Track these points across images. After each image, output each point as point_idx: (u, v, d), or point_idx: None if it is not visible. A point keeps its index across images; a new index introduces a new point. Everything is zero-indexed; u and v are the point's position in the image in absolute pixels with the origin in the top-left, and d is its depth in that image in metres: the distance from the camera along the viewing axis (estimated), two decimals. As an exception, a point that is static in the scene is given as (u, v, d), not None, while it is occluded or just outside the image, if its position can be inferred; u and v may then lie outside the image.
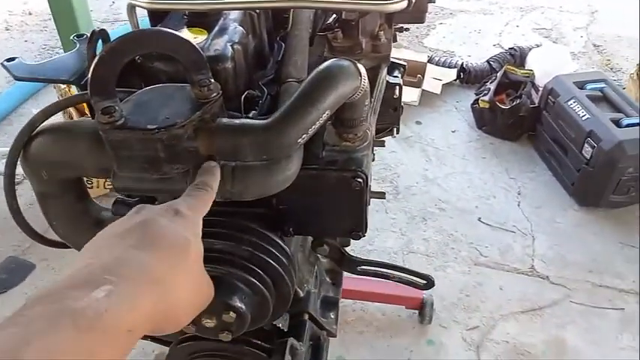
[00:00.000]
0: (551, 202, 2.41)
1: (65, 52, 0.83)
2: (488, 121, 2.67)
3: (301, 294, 0.89)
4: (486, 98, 2.62)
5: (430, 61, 2.91)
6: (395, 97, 1.12)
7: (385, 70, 0.88)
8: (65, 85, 2.32)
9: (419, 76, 2.77)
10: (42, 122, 0.68)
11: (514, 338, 1.92)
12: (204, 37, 0.70)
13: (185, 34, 0.72)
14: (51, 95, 2.96)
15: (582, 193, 2.35)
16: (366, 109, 0.67)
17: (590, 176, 2.25)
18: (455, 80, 2.94)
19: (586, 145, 2.24)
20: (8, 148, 0.67)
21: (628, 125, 2.21)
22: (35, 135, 0.67)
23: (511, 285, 2.10)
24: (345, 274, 1.00)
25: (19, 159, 0.68)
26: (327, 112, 0.59)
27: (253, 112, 0.68)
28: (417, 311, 1.98)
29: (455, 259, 2.19)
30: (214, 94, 0.59)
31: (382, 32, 0.84)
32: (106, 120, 0.56)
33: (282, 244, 0.73)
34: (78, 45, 0.77)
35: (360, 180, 0.67)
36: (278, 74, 0.80)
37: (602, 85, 2.39)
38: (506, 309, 2.01)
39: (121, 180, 0.62)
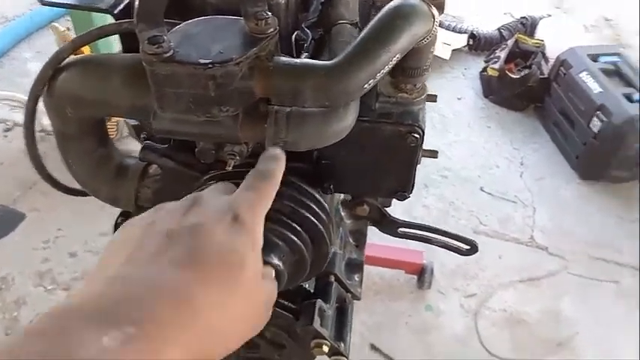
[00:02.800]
0: (553, 173, 2.40)
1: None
2: (495, 90, 2.62)
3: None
4: (496, 66, 2.57)
5: (440, 25, 2.82)
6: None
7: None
8: (64, 28, 2.19)
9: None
10: (70, 54, 0.61)
11: (511, 306, 1.94)
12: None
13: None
14: (46, 39, 2.82)
15: (586, 167, 2.34)
16: (431, 57, 0.61)
17: (596, 150, 2.23)
18: (464, 47, 2.86)
19: (595, 118, 2.21)
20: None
21: (640, 101, 2.18)
22: (62, 67, 0.61)
23: (510, 254, 2.10)
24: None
25: (42, 93, 0.61)
26: (397, 56, 0.53)
27: (305, 54, 0.62)
28: (415, 276, 1.97)
29: (455, 227, 2.18)
30: (271, 29, 0.53)
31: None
32: (153, 50, 0.50)
33: (322, 200, 0.68)
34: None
35: (416, 135, 0.62)
36: (322, 17, 0.73)
37: (616, 58, 2.35)
38: (504, 278, 2.02)
39: (162, 121, 0.56)
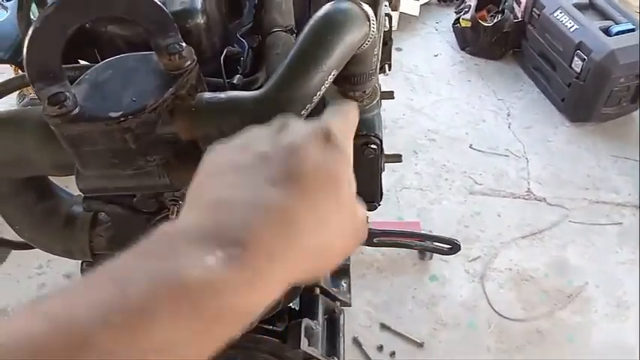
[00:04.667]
0: (541, 120, 2.34)
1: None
2: (471, 41, 2.54)
3: (310, 267, 0.81)
4: (467, 16, 2.48)
5: (405, -20, 2.72)
6: (385, 29, 0.99)
7: (384, 3, 0.75)
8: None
9: (395, -3, 2.59)
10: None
11: (516, 264, 1.91)
12: (165, -14, 0.57)
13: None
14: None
15: (573, 108, 2.28)
16: (375, 59, 0.55)
17: (581, 90, 2.17)
18: (432, -1, 2.77)
19: (576, 57, 2.14)
20: None
21: (618, 33, 2.10)
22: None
23: (509, 211, 2.06)
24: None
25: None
26: (333, 73, 0.47)
27: (238, 76, 0.56)
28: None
29: (450, 190, 2.13)
30: (189, 62, 0.47)
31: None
32: (56, 112, 0.44)
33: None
34: (7, 11, 0.62)
35: (374, 146, 0.57)
36: (258, 22, 0.66)
37: (589, -9, 2.26)
38: (506, 236, 1.98)
39: (87, 180, 0.50)
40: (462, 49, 2.60)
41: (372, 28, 0.50)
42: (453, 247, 0.69)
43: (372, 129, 0.57)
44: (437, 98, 2.45)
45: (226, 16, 0.64)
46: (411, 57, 2.61)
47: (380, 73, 1.17)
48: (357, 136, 0.58)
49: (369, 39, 0.51)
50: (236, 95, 0.47)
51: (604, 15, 2.18)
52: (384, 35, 1.03)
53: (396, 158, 0.66)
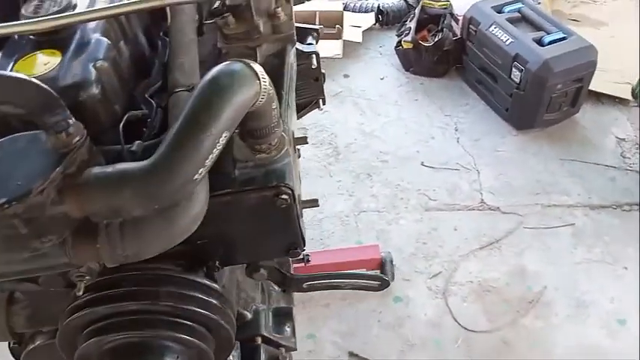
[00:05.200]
0: (489, 131, 2.40)
1: None
2: (414, 62, 2.59)
3: (249, 316, 0.80)
4: (408, 38, 2.53)
5: (345, 8, 2.77)
6: (313, 67, 1.00)
7: (293, 53, 0.76)
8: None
9: (337, 26, 2.63)
10: None
11: (477, 276, 1.93)
12: (58, 59, 0.56)
13: (36, 59, 0.57)
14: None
15: (517, 117, 2.34)
16: (275, 112, 0.55)
17: (523, 99, 2.24)
18: (374, 24, 2.82)
19: (514, 69, 2.21)
20: None
21: (550, 42, 2.18)
22: None
23: (465, 223, 2.09)
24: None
25: None
26: (224, 135, 0.47)
27: (137, 142, 0.56)
28: (377, 271, 1.94)
29: (406, 209, 2.15)
30: (77, 138, 0.46)
31: (280, 9, 0.71)
32: (-64, 204, 0.43)
33: (208, 283, 0.62)
34: None
35: (285, 197, 0.57)
36: (164, 81, 0.66)
37: (520, 5, 2.34)
38: (464, 249, 2.01)
39: (-17, 267, 0.49)
40: (407, 70, 2.65)
41: (262, 86, 0.50)
42: (382, 283, 0.69)
43: (282, 179, 0.58)
44: (386, 120, 2.48)
45: (132, 79, 0.64)
46: (358, 82, 2.65)
47: (315, 108, 1.19)
48: (266, 188, 0.58)
49: (262, 96, 0.51)
50: (124, 168, 0.47)
51: (535, 26, 2.26)
52: (313, 72, 1.05)
53: (313, 203, 0.67)
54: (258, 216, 0.59)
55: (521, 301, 1.85)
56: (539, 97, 2.19)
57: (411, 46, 2.53)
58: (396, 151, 2.34)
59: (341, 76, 2.68)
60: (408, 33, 2.55)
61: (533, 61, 2.12)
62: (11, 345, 0.74)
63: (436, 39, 2.50)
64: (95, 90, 0.54)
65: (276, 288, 0.91)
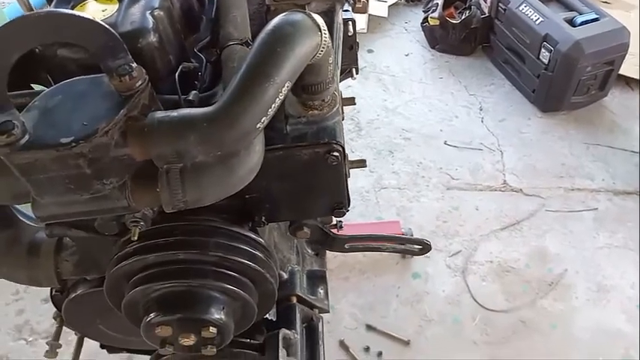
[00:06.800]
0: (513, 112, 2.37)
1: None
2: (440, 39, 2.56)
3: (285, 276, 0.81)
4: (435, 15, 2.50)
5: (371, -18, 2.73)
6: (350, 34, 0.99)
7: (341, 10, 0.75)
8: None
9: (363, 0, 2.60)
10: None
11: (497, 256, 1.92)
12: (115, 6, 0.56)
13: (91, 6, 0.57)
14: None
15: (543, 99, 2.31)
16: (331, 68, 0.55)
17: (551, 81, 2.20)
18: (400, 0, 2.78)
19: (543, 49, 2.17)
20: None
21: (582, 23, 2.14)
22: None
23: (486, 203, 2.07)
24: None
25: None
26: (287, 85, 0.47)
27: (194, 92, 0.56)
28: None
29: (427, 187, 2.15)
30: (140, 82, 0.46)
31: (329, -36, 0.70)
32: (5, 141, 0.43)
33: (255, 237, 0.63)
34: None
35: (336, 154, 0.57)
36: (215, 35, 0.66)
37: (552, -17, 2.29)
38: (485, 229, 2.00)
39: (44, 208, 0.50)
40: (432, 47, 2.62)
41: (323, 38, 0.50)
42: (424, 247, 0.69)
43: (333, 136, 0.58)
44: (410, 97, 2.46)
45: (182, 32, 0.63)
46: (383, 58, 2.63)
47: (347, 77, 1.18)
48: (318, 145, 0.58)
49: (321, 49, 0.51)
50: (188, 113, 0.47)
51: (567, 6, 2.22)
52: (348, 40, 1.04)
53: (361, 164, 0.66)
54: (307, 172, 0.60)
55: (541, 282, 1.84)
56: (567, 78, 2.16)
57: (437, 22, 2.49)
58: (419, 129, 2.32)
59: (365, 51, 2.66)
60: (435, 9, 2.51)
61: (564, 41, 2.08)
62: (53, 293, 0.76)
63: (463, 16, 2.46)
64: (153, 38, 0.54)
65: (310, 251, 0.91)
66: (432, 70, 2.57)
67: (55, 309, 0.79)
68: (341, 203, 0.64)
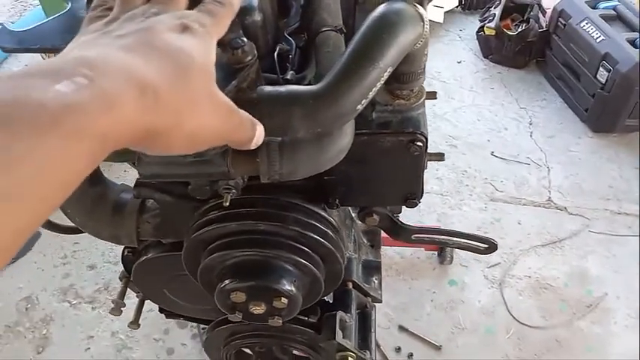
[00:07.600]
0: (564, 130, 2.34)
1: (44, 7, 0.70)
2: (494, 49, 2.55)
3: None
4: (492, 25, 2.48)
5: (430, -13, 2.73)
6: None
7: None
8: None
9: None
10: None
11: (536, 272, 1.91)
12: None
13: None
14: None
15: (596, 119, 2.27)
16: (425, 59, 0.57)
17: (606, 101, 2.17)
18: (457, 7, 2.78)
19: (601, 68, 2.14)
20: None
21: (645, 45, 2.10)
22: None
23: (529, 218, 2.06)
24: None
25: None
26: (388, 70, 0.49)
27: (291, 72, 0.58)
28: (435, 252, 1.95)
29: (470, 196, 2.14)
30: (250, 57, 0.49)
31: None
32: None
33: (329, 218, 0.65)
34: (69, 4, 0.65)
35: (419, 144, 0.59)
36: (305, 21, 0.69)
37: (616, 3, 2.25)
38: (525, 243, 1.98)
39: (148, 166, 0.53)
40: (486, 56, 2.61)
41: (425, 29, 0.52)
42: (490, 247, 0.70)
43: (417, 127, 0.59)
44: (459, 104, 2.46)
45: (276, 16, 0.66)
46: (435, 63, 2.63)
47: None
48: (403, 133, 0.60)
49: (422, 39, 0.53)
50: (295, 89, 0.49)
51: (631, 26, 2.18)
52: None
53: (439, 157, 0.68)
54: (387, 160, 0.61)
55: (579, 303, 1.82)
56: (624, 100, 2.12)
57: (493, 33, 2.48)
58: (466, 137, 2.32)
59: (418, 56, 2.66)
60: (492, 19, 2.50)
61: (625, 61, 2.04)
62: (125, 253, 0.80)
63: (520, 29, 2.44)
64: (258, 17, 0.57)
65: (366, 242, 0.93)
66: (484, 80, 2.56)
67: (123, 269, 0.83)
68: (414, 194, 0.65)
